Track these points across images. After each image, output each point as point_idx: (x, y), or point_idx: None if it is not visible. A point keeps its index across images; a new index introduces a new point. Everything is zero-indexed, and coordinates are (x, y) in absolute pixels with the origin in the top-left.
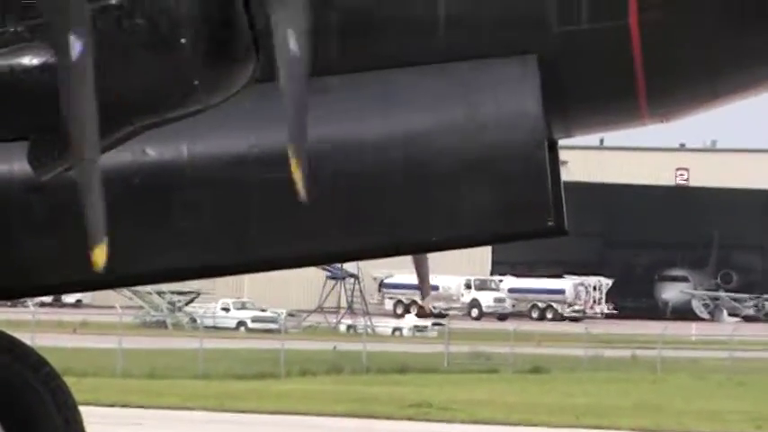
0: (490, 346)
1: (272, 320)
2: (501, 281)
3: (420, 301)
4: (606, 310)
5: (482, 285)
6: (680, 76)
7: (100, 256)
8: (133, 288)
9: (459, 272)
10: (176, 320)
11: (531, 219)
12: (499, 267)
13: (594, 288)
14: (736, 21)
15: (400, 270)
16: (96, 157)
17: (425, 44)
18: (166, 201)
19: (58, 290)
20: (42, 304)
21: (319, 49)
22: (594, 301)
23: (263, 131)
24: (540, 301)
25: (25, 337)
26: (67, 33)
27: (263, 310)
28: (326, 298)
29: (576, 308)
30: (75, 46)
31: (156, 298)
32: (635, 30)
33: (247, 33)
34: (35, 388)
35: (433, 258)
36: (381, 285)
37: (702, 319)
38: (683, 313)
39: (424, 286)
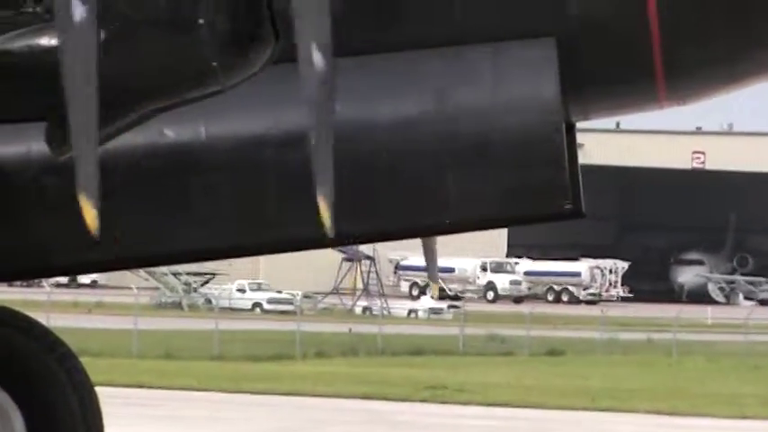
0: (506, 329)
1: (288, 302)
2: (517, 263)
3: (431, 284)
4: (622, 293)
5: (498, 268)
6: (698, 58)
7: (91, 216)
8: (149, 269)
9: (474, 254)
10: (192, 301)
11: (548, 201)
12: (515, 250)
13: (610, 271)
14: (756, 3)
15: (416, 252)
16: (93, 143)
17: (441, 27)
18: (183, 181)
19: (73, 270)
20: (58, 284)
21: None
22: (610, 284)
23: (280, 113)
24: (556, 283)
25: (41, 318)
26: (69, 8)
27: (278, 292)
28: (342, 280)
29: (592, 291)
30: (76, 22)
31: (171, 279)
32: (653, 11)
33: (266, 14)
34: (51, 368)
35: (449, 241)
36: (397, 267)
37: (718, 303)
38: (699, 297)
39: (431, 268)
